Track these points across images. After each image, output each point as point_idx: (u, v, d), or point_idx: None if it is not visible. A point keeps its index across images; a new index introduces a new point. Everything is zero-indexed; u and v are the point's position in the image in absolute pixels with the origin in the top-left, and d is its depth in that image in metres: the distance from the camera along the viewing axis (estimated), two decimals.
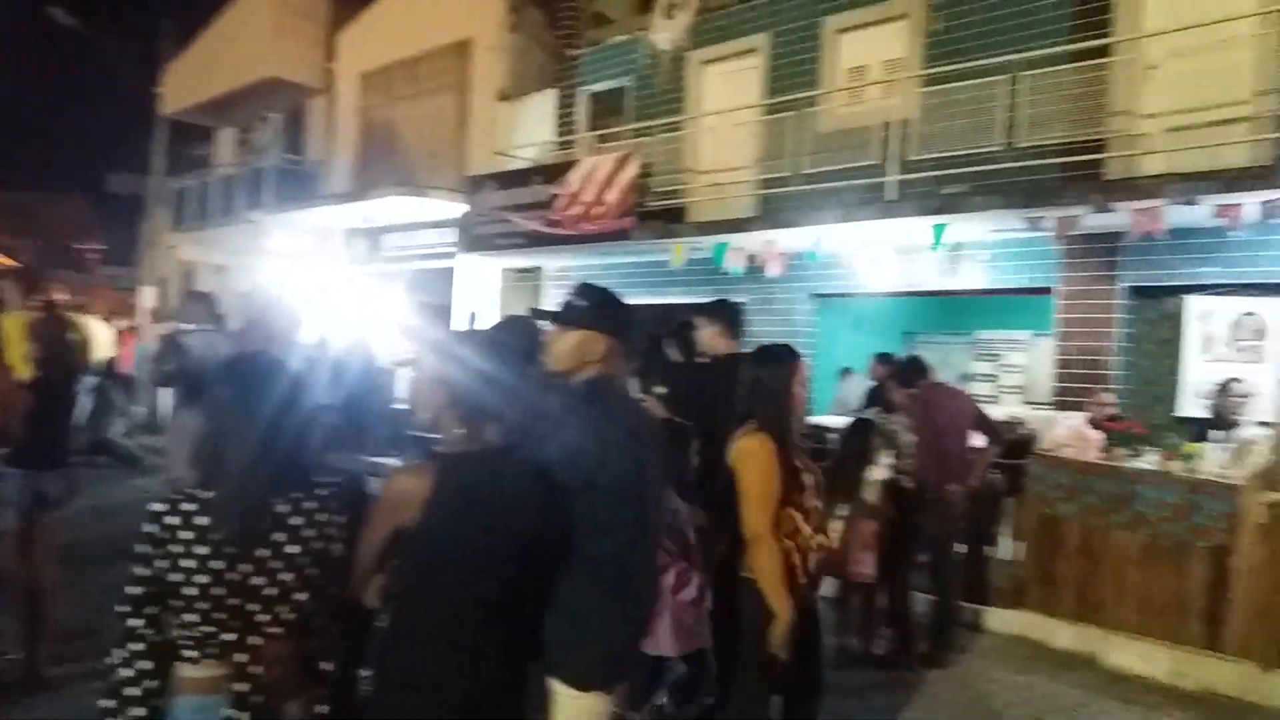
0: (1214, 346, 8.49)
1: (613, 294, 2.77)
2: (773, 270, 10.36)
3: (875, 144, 9.69)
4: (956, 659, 5.91)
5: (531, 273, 14.02)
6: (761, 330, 11.27)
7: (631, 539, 2.52)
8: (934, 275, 9.89)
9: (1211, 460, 6.20)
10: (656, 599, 2.82)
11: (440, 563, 2.24)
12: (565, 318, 2.72)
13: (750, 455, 3.34)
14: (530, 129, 14.13)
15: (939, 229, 8.64)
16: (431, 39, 15.71)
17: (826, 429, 7.66)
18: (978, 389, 10.25)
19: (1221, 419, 6.93)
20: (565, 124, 13.81)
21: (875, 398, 7.57)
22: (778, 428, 3.40)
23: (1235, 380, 7.18)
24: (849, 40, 10.85)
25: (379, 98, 17.19)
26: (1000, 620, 6.58)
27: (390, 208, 14.41)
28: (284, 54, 17.81)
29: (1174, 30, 8.00)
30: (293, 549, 2.18)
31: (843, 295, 10.86)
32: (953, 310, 11.25)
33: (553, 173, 11.87)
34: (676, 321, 5.62)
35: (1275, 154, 7.50)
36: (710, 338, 4.77)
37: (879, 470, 5.55)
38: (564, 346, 2.68)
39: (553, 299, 13.18)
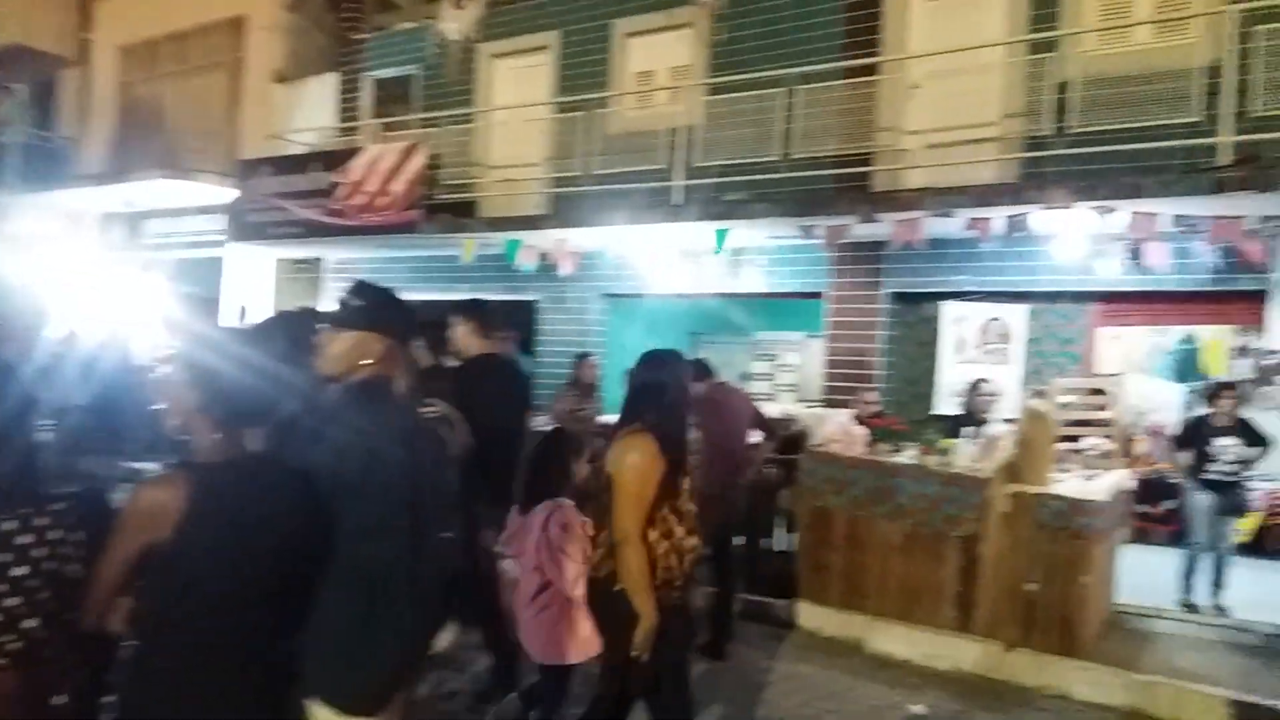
0: (965, 349, 9.24)
1: (391, 293, 2.68)
2: (565, 269, 10.40)
3: (662, 148, 9.90)
4: (735, 649, 6.10)
5: (309, 264, 13.44)
6: (554, 329, 11.32)
7: (404, 547, 2.41)
8: (717, 278, 10.22)
9: (963, 454, 6.68)
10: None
11: (196, 582, 2.06)
12: (341, 318, 2.60)
13: (628, 456, 3.32)
14: (309, 114, 13.53)
15: (721, 234, 8.93)
16: (202, 14, 14.80)
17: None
18: (756, 387, 10.68)
19: (972, 416, 7.52)
20: (348, 110, 13.32)
21: None
22: (666, 431, 3.38)
23: (984, 380, 7.82)
24: (637, 45, 11.04)
25: (142, 73, 16.00)
26: (777, 610, 6.85)
27: (152, 191, 13.50)
28: (30, 19, 16.26)
29: (934, 54, 8.62)
30: (20, 571, 1.98)
31: (633, 295, 11.04)
32: (734, 312, 11.66)
33: (333, 160, 11.40)
34: (423, 320, 5.45)
35: (1020, 172, 8.23)
36: (464, 337, 4.66)
37: None
38: (339, 348, 2.56)
39: (333, 292, 12.70)
